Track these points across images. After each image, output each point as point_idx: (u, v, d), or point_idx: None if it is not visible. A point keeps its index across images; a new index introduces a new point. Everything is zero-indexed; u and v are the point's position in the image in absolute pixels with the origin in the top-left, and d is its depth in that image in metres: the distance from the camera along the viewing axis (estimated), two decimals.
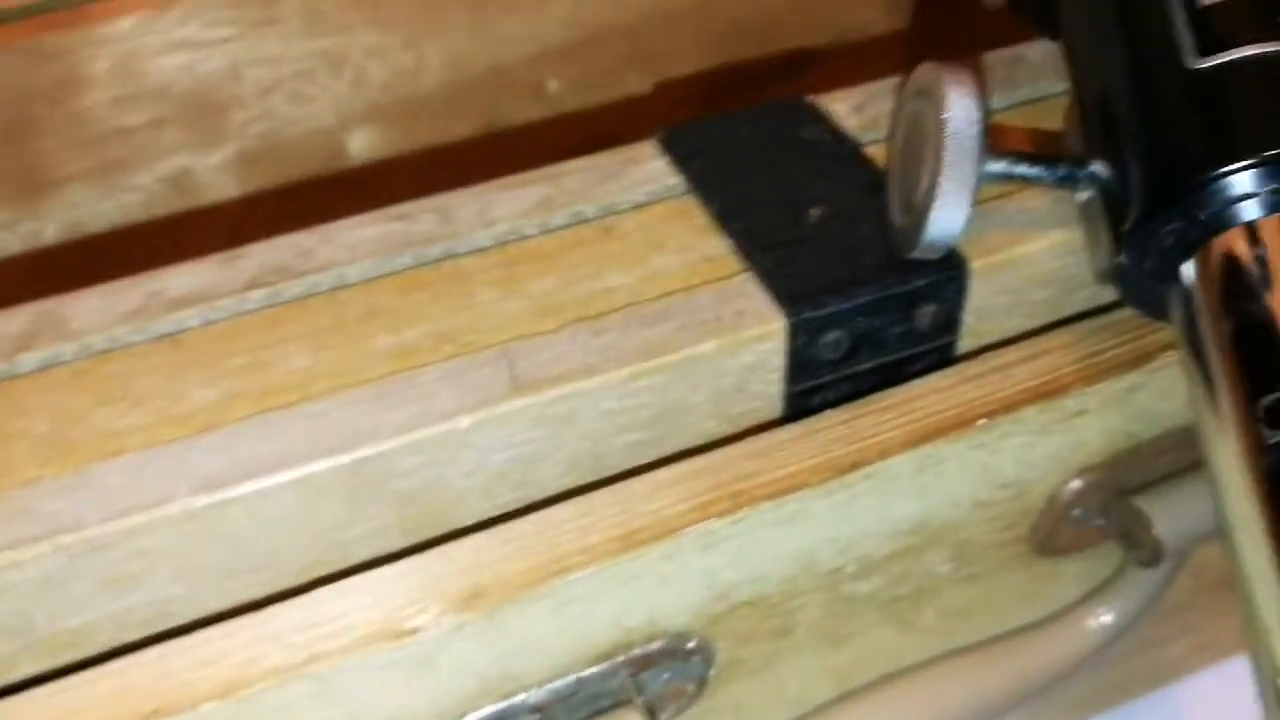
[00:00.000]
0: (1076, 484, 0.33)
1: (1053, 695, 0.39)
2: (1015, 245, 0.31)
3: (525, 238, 0.31)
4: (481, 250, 0.31)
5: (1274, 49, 0.26)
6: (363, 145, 0.51)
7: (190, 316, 0.29)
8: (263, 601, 0.26)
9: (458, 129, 0.53)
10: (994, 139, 0.29)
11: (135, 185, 0.47)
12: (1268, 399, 0.24)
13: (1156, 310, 0.29)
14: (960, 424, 0.29)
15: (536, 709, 0.28)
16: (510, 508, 0.28)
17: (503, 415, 0.27)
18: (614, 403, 0.28)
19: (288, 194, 0.50)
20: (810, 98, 0.35)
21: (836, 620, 0.32)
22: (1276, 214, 0.26)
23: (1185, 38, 0.27)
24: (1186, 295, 0.27)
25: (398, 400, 0.27)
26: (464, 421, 0.27)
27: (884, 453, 0.28)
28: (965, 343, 0.32)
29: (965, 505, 0.31)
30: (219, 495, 0.25)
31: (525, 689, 0.28)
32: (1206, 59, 0.26)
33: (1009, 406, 0.29)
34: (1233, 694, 0.43)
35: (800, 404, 0.30)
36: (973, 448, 0.29)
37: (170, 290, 0.29)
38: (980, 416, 0.29)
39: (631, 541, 0.27)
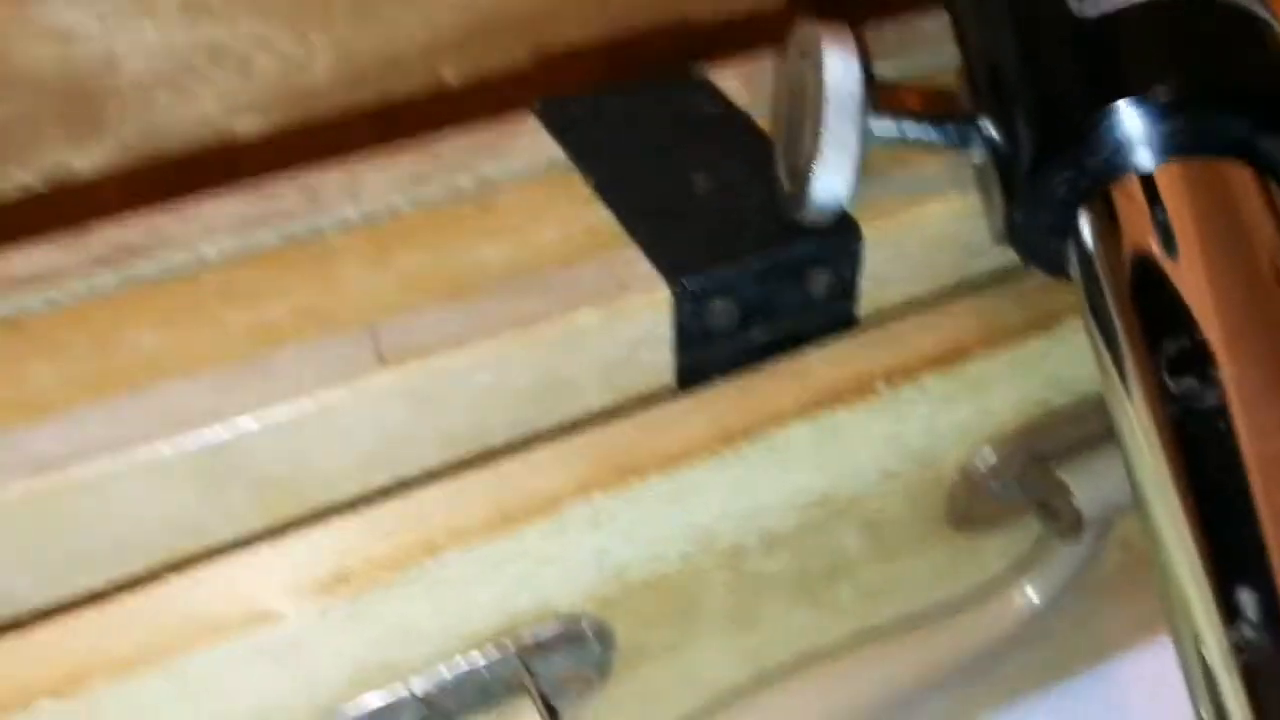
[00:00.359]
0: (990, 454, 0.31)
1: (984, 674, 0.38)
2: (911, 208, 0.30)
3: (397, 213, 0.30)
4: (350, 226, 0.29)
5: None
6: (251, 139, 0.49)
7: (33, 299, 0.27)
8: (109, 591, 0.24)
9: (351, 121, 0.51)
10: (881, 99, 0.28)
11: (8, 181, 0.45)
12: (1170, 347, 0.23)
13: (1057, 268, 0.28)
14: (857, 392, 0.28)
15: (423, 699, 0.26)
16: (383, 488, 0.27)
17: (367, 392, 0.25)
18: (489, 377, 0.26)
19: (172, 191, 0.48)
20: (699, 69, 0.34)
21: (745, 600, 0.30)
22: (1170, 157, 0.25)
23: None
24: (1082, 247, 0.26)
25: (253, 380, 0.25)
26: (324, 399, 0.25)
27: (778, 421, 0.27)
28: (865, 309, 0.30)
29: (871, 477, 0.30)
30: (57, 478, 0.23)
31: (406, 677, 0.26)
32: (1093, 4, 0.25)
33: (909, 373, 0.28)
34: (1171, 669, 0.42)
35: (694, 376, 0.29)
36: (873, 414, 0.28)
37: (11, 271, 0.27)
38: (878, 384, 0.28)
39: (509, 520, 0.25)
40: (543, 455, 0.26)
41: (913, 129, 0.28)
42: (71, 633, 0.23)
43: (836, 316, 0.30)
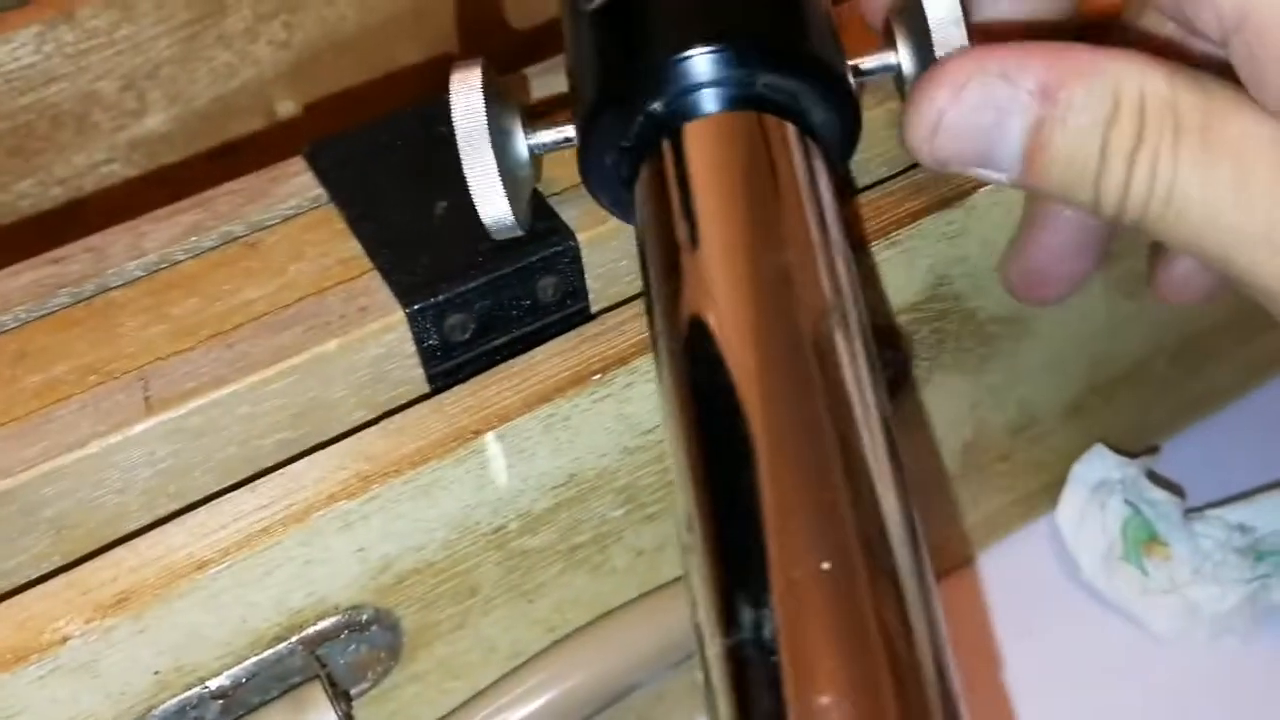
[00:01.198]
0: None
1: None
2: None
3: (175, 264, 0.33)
4: (133, 281, 0.33)
5: None
6: (100, 190, 0.53)
7: None
8: None
9: (194, 160, 0.54)
10: (534, 117, 0.32)
11: None
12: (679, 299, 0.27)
13: None
14: (576, 381, 0.32)
15: (220, 695, 0.30)
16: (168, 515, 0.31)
17: (137, 435, 0.29)
18: (249, 408, 0.30)
19: (32, 249, 0.52)
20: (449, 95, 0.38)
21: (520, 575, 0.34)
22: (694, 117, 0.29)
23: None
24: (637, 209, 0.30)
25: (38, 435, 0.29)
26: (98, 447, 0.29)
27: (506, 417, 0.31)
28: (600, 304, 0.34)
29: (613, 453, 0.34)
30: None
31: (204, 679, 0.30)
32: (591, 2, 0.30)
33: (622, 359, 0.32)
34: (970, 592, 0.46)
35: (445, 384, 0.33)
36: (595, 400, 0.32)
37: None
38: (595, 372, 0.32)
39: (267, 533, 0.29)
40: (297, 469, 0.30)
41: (561, 133, 0.31)
42: None
43: (573, 314, 0.34)
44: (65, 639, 0.27)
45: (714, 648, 0.22)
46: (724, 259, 0.27)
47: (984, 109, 0.28)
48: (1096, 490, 0.46)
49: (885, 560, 0.22)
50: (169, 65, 0.52)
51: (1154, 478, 0.47)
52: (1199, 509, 0.47)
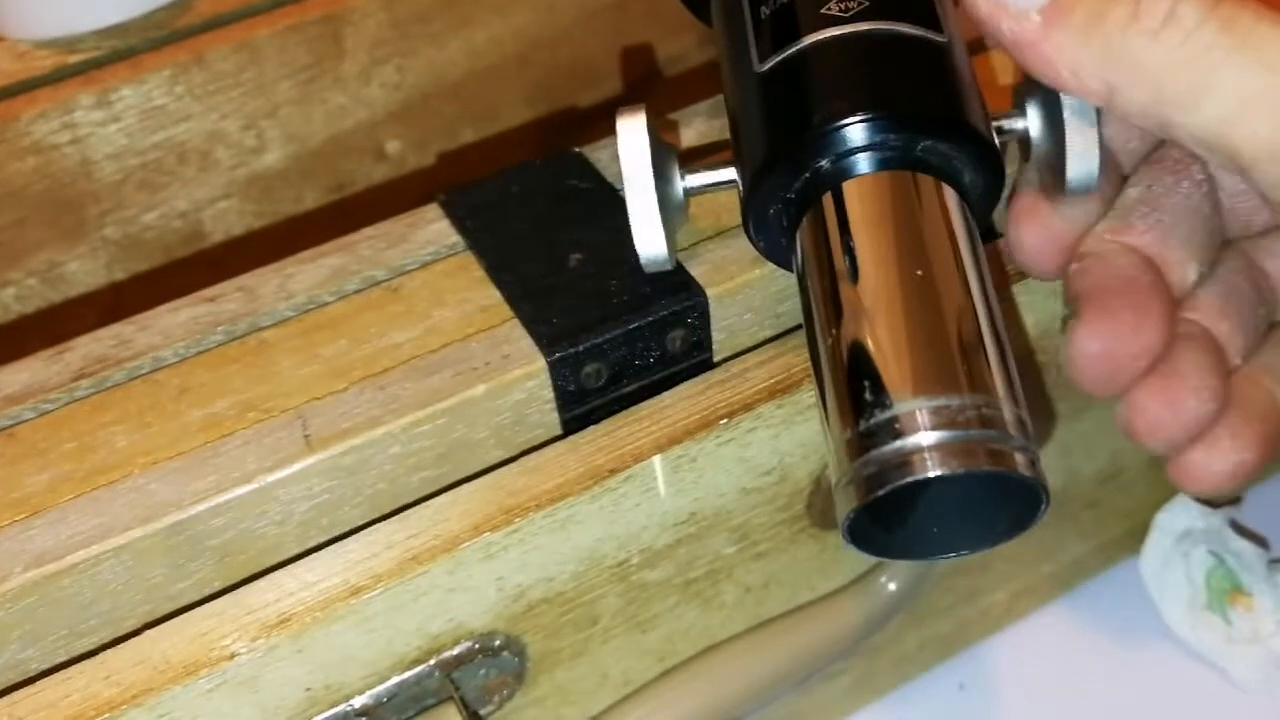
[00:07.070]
0: None
1: (879, 653, 0.44)
2: (750, 270, 0.35)
3: (323, 306, 0.35)
4: (283, 321, 0.35)
5: (814, 40, 0.31)
6: (218, 223, 0.55)
7: (25, 410, 0.33)
8: (100, 649, 0.30)
9: (307, 196, 0.57)
10: (689, 160, 0.33)
11: (7, 280, 0.51)
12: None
13: None
14: (704, 425, 0.33)
15: (363, 713, 0.32)
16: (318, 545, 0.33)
17: (298, 472, 0.31)
18: (400, 448, 0.32)
19: (154, 277, 0.55)
20: (578, 149, 0.40)
21: (638, 606, 0.36)
22: (852, 175, 0.30)
23: (753, 46, 0.32)
24: (796, 257, 0.32)
25: (205, 469, 0.31)
26: (262, 482, 0.31)
27: (638, 457, 0.33)
28: (721, 354, 0.36)
29: (731, 493, 0.35)
30: (52, 568, 0.29)
31: (349, 697, 0.32)
32: (766, 63, 0.31)
33: (748, 405, 0.34)
34: (1054, 635, 0.47)
35: (577, 427, 0.35)
36: (720, 444, 0.34)
37: (4, 388, 0.33)
38: (722, 417, 0.33)
39: (417, 561, 0.31)
40: (444, 502, 0.32)
41: (716, 177, 0.33)
42: (69, 683, 0.29)
43: (696, 365, 0.36)
44: (233, 655, 0.29)
45: (828, 340, 0.29)
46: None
47: None
48: (1180, 539, 0.48)
49: (958, 279, 0.29)
50: (287, 106, 0.54)
51: (1237, 528, 0.48)
52: None
